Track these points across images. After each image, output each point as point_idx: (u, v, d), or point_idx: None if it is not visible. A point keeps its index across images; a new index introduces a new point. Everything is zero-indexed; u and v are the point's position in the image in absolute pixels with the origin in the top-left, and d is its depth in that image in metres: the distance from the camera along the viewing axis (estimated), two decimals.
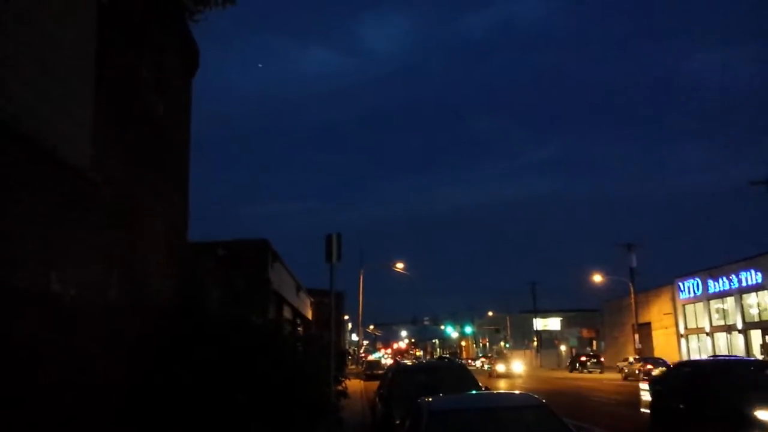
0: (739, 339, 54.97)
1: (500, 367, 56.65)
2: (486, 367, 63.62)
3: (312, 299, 40.99)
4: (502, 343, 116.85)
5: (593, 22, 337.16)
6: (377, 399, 16.24)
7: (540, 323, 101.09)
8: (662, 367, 46.33)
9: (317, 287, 40.46)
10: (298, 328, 31.35)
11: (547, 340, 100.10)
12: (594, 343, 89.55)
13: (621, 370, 53.14)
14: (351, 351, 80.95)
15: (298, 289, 33.11)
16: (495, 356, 71.46)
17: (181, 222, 8.71)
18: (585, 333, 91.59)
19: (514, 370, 56.31)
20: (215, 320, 8.39)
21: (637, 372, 47.47)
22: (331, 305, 19.69)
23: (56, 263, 4.96)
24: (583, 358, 67.13)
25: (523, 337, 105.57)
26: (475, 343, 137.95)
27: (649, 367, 45.87)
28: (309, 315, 39.41)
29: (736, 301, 55.23)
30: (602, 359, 68.39)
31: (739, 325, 54.70)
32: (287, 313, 28.46)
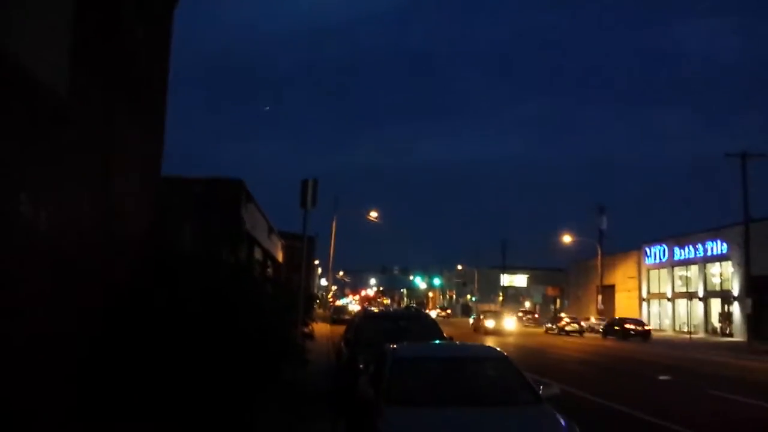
0: (699, 306, 56.48)
1: (489, 323, 49.62)
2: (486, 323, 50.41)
3: (283, 242, 41.03)
4: (468, 296, 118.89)
5: None
6: (343, 343, 16.46)
7: (507, 279, 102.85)
8: (574, 323, 52.62)
9: (288, 230, 40.54)
10: (268, 270, 31.48)
11: (513, 295, 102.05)
12: (558, 301, 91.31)
13: (545, 324, 60.36)
14: (320, 295, 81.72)
15: (270, 231, 33.07)
16: (468, 309, 70.89)
17: (156, 155, 8.59)
18: (550, 291, 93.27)
19: (506, 327, 49.84)
20: (190, 258, 8.34)
21: (552, 326, 55.90)
22: (304, 250, 19.75)
23: (28, 184, 4.89)
24: (520, 314, 75.76)
25: (489, 291, 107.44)
26: (443, 295, 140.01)
27: (564, 322, 54.34)
28: (279, 257, 39.50)
29: (699, 269, 56.59)
30: (536, 315, 79.54)
31: (701, 293, 56.16)
32: (258, 254, 28.48)
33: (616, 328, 47.27)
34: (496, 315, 53.73)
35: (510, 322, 51.86)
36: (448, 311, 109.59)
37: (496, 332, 47.01)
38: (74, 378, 5.94)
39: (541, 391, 7.55)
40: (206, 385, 7.32)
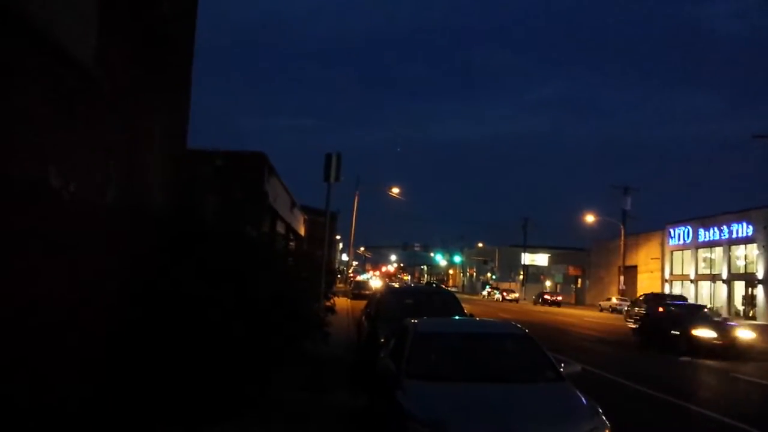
0: (722, 288, 55.86)
1: (705, 332, 21.24)
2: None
3: (305, 216, 41.16)
4: (489, 274, 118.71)
5: None
6: (364, 318, 16.53)
7: (528, 258, 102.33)
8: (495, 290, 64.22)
9: (310, 205, 40.69)
10: (291, 243, 31.63)
11: (534, 274, 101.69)
12: (579, 281, 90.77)
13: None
14: (340, 270, 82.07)
15: (293, 205, 33.17)
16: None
17: (181, 127, 8.61)
18: (571, 270, 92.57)
19: (741, 336, 21.74)
20: (213, 230, 8.36)
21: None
22: (326, 224, 19.79)
23: (56, 157, 4.93)
24: (490, 289, 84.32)
25: (510, 269, 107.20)
26: (463, 272, 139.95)
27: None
28: (302, 232, 39.65)
29: (724, 251, 55.87)
30: (504, 290, 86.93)
31: (724, 275, 55.50)
32: (281, 228, 28.62)
33: (540, 299, 71.44)
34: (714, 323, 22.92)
35: (746, 333, 22.40)
36: (442, 286, 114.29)
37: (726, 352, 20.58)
38: (100, 349, 6.03)
39: (562, 369, 7.54)
40: (229, 361, 7.38)
